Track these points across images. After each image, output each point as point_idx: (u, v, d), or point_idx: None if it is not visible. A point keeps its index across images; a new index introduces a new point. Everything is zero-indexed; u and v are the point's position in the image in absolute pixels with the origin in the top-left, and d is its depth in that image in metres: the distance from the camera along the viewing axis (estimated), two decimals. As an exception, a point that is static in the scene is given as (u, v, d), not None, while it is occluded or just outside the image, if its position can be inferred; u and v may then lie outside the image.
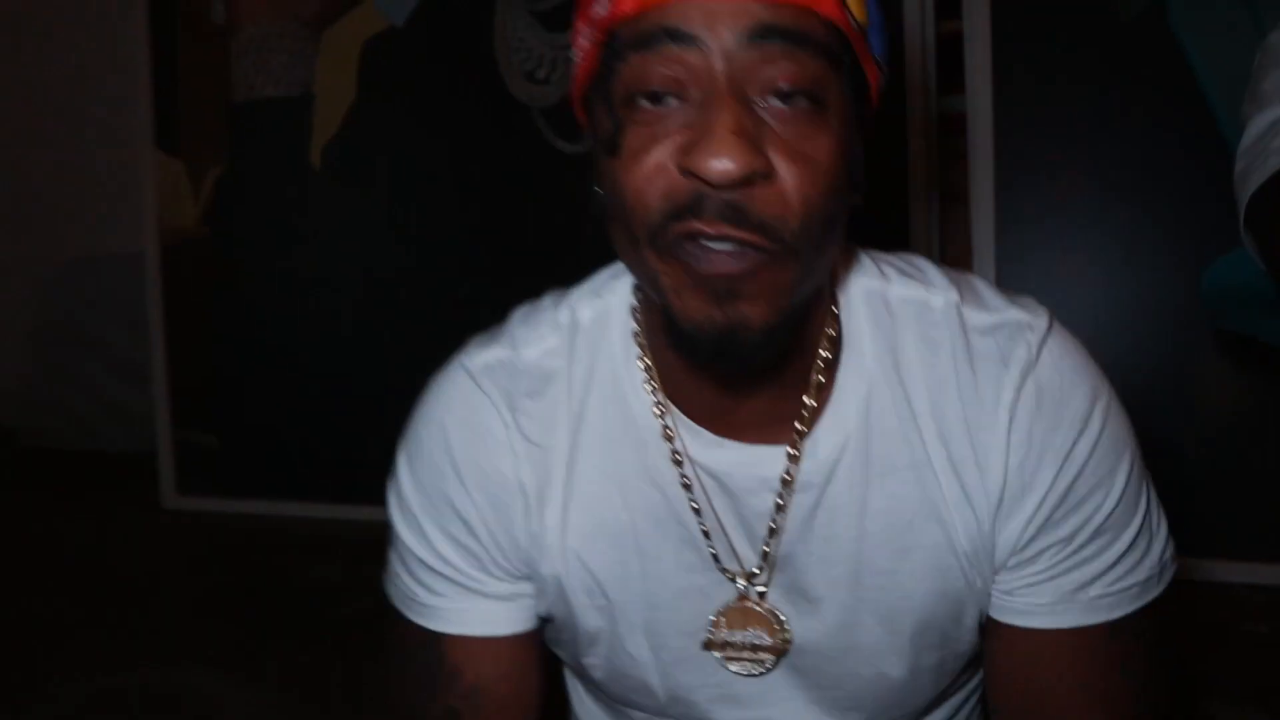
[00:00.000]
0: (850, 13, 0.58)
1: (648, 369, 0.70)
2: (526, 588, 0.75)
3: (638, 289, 0.72)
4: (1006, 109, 2.02)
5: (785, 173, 0.56)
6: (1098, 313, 1.96)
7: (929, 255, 2.00)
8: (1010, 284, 1.91)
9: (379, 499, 2.35)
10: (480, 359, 0.75)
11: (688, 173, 0.55)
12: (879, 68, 0.63)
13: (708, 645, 0.71)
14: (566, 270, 2.21)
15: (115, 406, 3.49)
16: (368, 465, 2.47)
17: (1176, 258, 1.87)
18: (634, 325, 0.72)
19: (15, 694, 1.70)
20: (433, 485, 0.74)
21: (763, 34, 0.55)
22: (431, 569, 0.74)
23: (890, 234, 2.08)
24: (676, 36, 0.56)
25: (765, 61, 0.56)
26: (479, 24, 2.31)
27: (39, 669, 1.79)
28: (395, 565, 0.79)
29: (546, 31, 2.26)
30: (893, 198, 2.09)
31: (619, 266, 0.75)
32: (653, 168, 0.57)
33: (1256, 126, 0.92)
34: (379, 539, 2.14)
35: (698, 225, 0.56)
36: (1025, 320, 0.68)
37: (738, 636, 0.70)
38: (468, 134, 2.37)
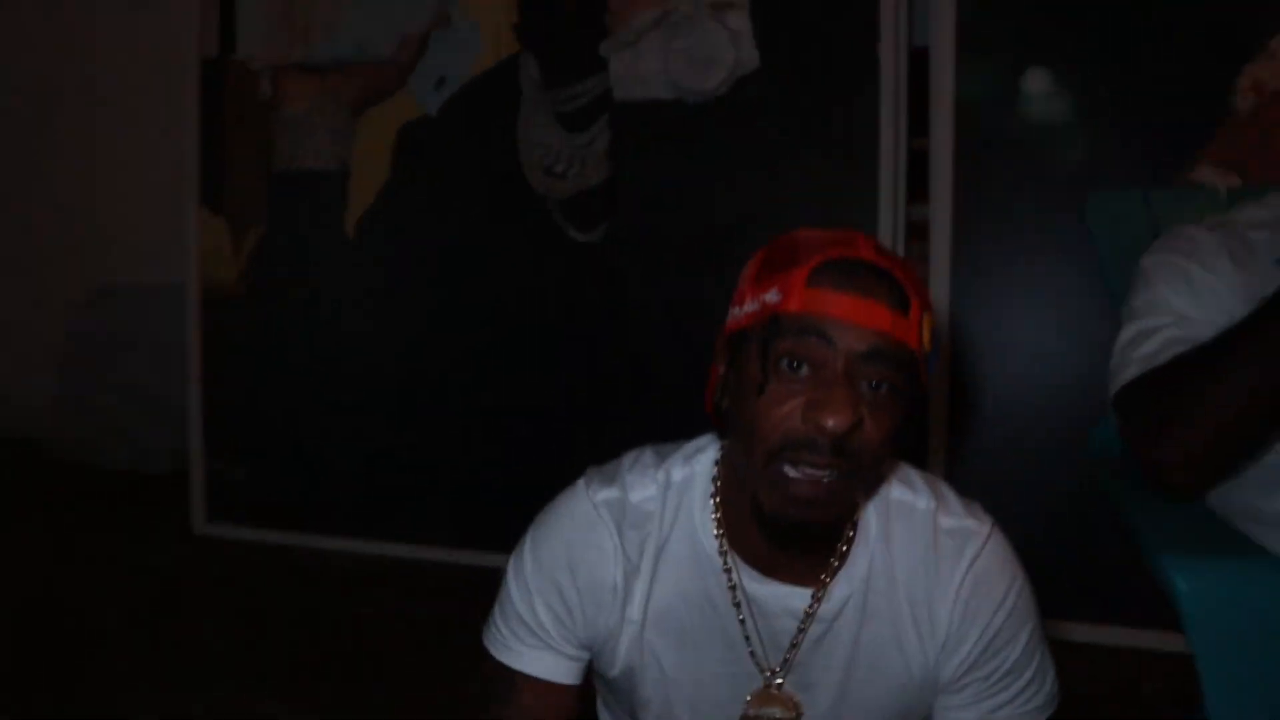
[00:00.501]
0: (924, 344, 0.86)
1: (718, 521, 0.98)
2: (586, 655, 1.02)
3: (719, 464, 0.99)
4: (966, 210, 2.31)
5: (869, 427, 0.83)
6: (1031, 384, 2.26)
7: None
8: (960, 364, 2.18)
9: (399, 537, 2.71)
10: (601, 495, 1.01)
11: (811, 422, 0.83)
12: (925, 373, 0.89)
13: (744, 718, 0.99)
14: (568, 343, 2.54)
15: (141, 430, 3.74)
16: (388, 505, 2.76)
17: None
18: (712, 488, 1.00)
19: (92, 709, 1.92)
20: (550, 571, 1.00)
21: (873, 353, 0.83)
22: (527, 625, 1.01)
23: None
24: (822, 335, 0.83)
25: (868, 364, 0.83)
26: (505, 118, 2.59)
27: (107, 688, 2.00)
28: (496, 616, 1.05)
29: (566, 131, 2.54)
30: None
31: (703, 440, 1.02)
32: (785, 413, 0.84)
33: (1127, 333, 1.22)
34: (402, 573, 2.52)
35: (808, 456, 0.83)
36: (976, 529, 0.97)
37: (764, 712, 0.99)
38: (489, 217, 2.64)
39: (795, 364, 0.84)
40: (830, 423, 0.81)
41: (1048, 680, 0.98)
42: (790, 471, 0.84)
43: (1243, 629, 0.88)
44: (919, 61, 2.39)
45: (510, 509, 2.61)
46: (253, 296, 2.88)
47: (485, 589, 2.66)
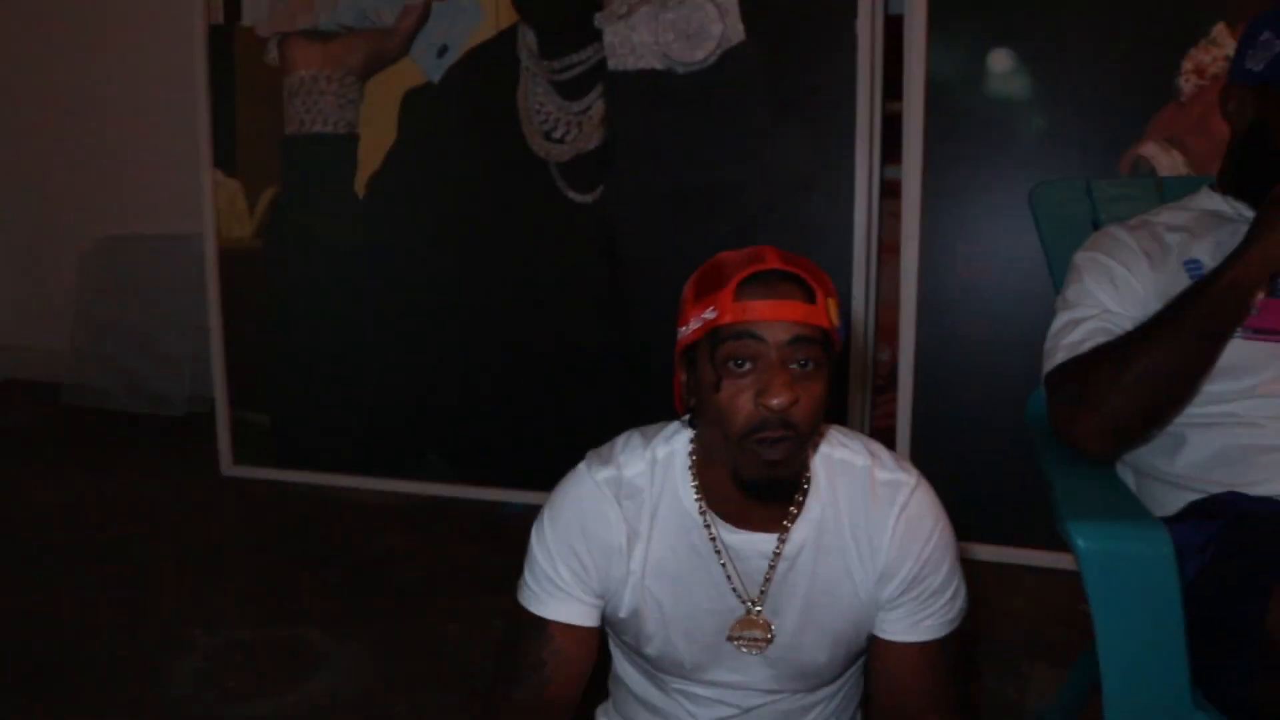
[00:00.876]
0: (833, 321, 1.06)
1: (696, 488, 1.19)
2: (601, 602, 1.24)
3: (693, 443, 1.20)
4: (934, 172, 2.49)
5: (804, 399, 1.04)
6: (990, 333, 2.48)
7: (866, 292, 2.50)
8: (925, 310, 2.38)
9: (411, 474, 2.94)
10: (602, 474, 1.21)
11: (761, 406, 1.03)
12: (839, 341, 1.10)
13: (729, 638, 1.21)
14: (567, 293, 2.74)
15: (154, 375, 3.94)
16: (399, 445, 2.97)
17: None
18: (690, 462, 1.20)
19: (160, 644, 2.12)
20: (566, 538, 1.21)
21: (795, 340, 1.03)
22: (553, 582, 1.22)
23: (838, 279, 2.57)
24: (754, 335, 1.03)
25: (794, 349, 1.03)
26: (504, 86, 2.73)
27: (169, 621, 2.22)
28: (527, 577, 1.25)
29: (563, 99, 2.69)
30: (841, 249, 2.59)
31: (676, 425, 1.22)
32: (741, 403, 1.04)
33: (1058, 321, 1.41)
34: (421, 510, 2.75)
35: (767, 435, 1.03)
36: (905, 479, 1.17)
37: (745, 634, 1.21)
38: (492, 178, 2.80)
39: (739, 362, 1.04)
40: (775, 402, 1.02)
41: (960, 598, 1.21)
42: (758, 447, 1.05)
43: (1127, 581, 1.10)
44: (894, 27, 2.55)
45: (513, 448, 2.88)
46: (269, 252, 3.05)
47: (489, 522, 2.89)
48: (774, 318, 1.02)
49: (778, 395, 1.01)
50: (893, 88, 2.58)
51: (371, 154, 2.88)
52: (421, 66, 2.80)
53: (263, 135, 2.99)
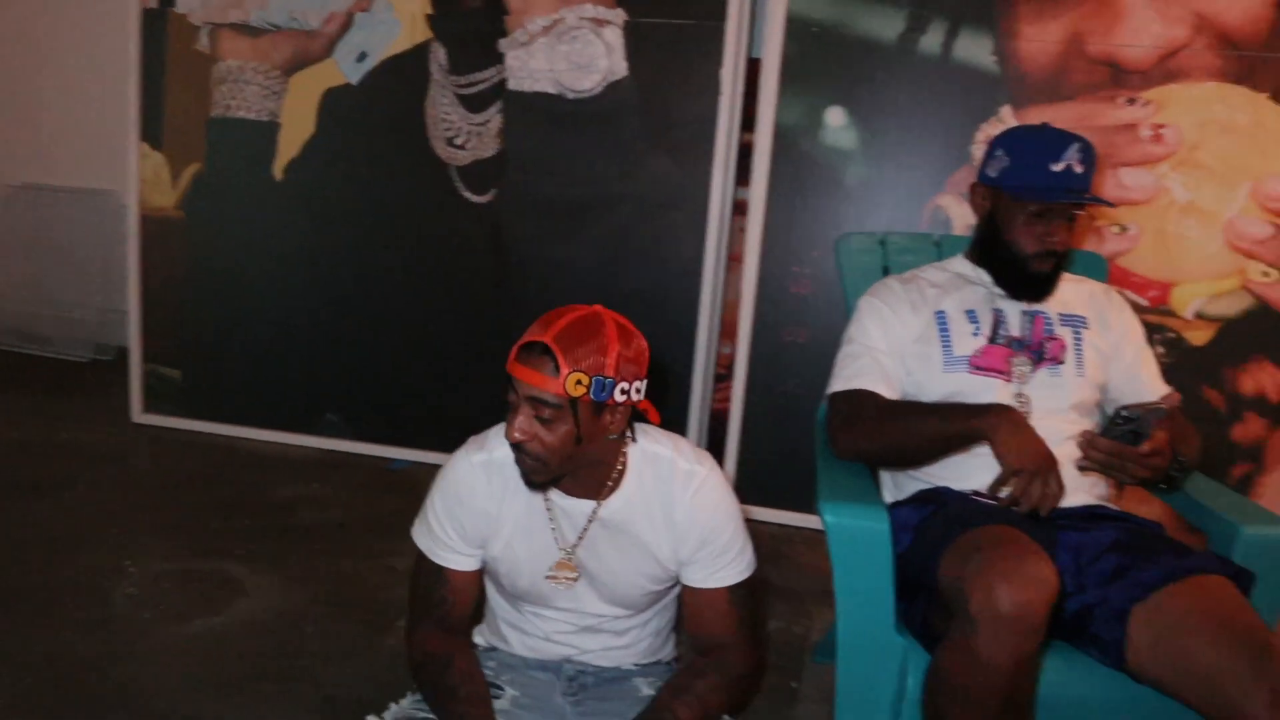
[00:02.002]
0: (567, 393, 1.38)
1: None
2: (480, 551, 1.60)
3: None
4: (776, 200, 2.90)
5: (543, 437, 1.39)
6: (808, 339, 2.88)
7: (713, 295, 2.90)
8: (760, 315, 2.80)
9: (312, 431, 3.25)
10: (476, 458, 1.56)
11: (510, 434, 1.39)
12: (588, 400, 1.41)
13: (546, 576, 1.57)
14: (460, 279, 3.10)
15: (64, 322, 4.07)
16: (301, 405, 3.26)
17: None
18: None
19: (95, 573, 2.36)
20: (451, 507, 1.55)
21: (533, 399, 1.37)
22: (443, 541, 1.57)
23: (690, 281, 2.97)
24: (514, 388, 1.38)
25: (532, 405, 1.37)
26: (415, 94, 3.02)
27: (101, 553, 2.46)
28: (424, 529, 1.59)
29: (466, 110, 2.99)
30: (695, 257, 2.98)
31: None
32: (506, 428, 1.40)
33: (841, 353, 1.82)
34: (320, 463, 3.06)
35: (517, 453, 1.41)
36: (699, 470, 1.54)
37: (559, 572, 1.56)
38: (399, 174, 3.09)
39: (511, 400, 1.41)
40: (515, 436, 1.39)
41: (746, 555, 1.58)
42: (516, 455, 1.43)
43: (856, 546, 1.51)
44: (754, 66, 2.94)
45: (403, 412, 3.20)
46: (189, 222, 3.26)
47: (380, 474, 3.19)
48: (521, 379, 1.38)
49: (511, 433, 1.39)
50: (749, 120, 2.97)
51: (291, 142, 3.13)
52: (342, 69, 3.06)
53: (189, 115, 3.19)
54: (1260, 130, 2.64)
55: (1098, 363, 1.80)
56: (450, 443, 3.35)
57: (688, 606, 1.61)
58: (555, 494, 1.54)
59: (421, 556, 1.59)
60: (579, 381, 1.38)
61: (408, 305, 3.15)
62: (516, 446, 1.41)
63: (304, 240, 3.19)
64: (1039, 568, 1.32)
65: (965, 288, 1.84)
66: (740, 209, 3.05)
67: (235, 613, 2.24)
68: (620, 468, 1.53)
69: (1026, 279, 1.77)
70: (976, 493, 1.67)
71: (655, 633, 1.71)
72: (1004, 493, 1.53)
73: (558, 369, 1.37)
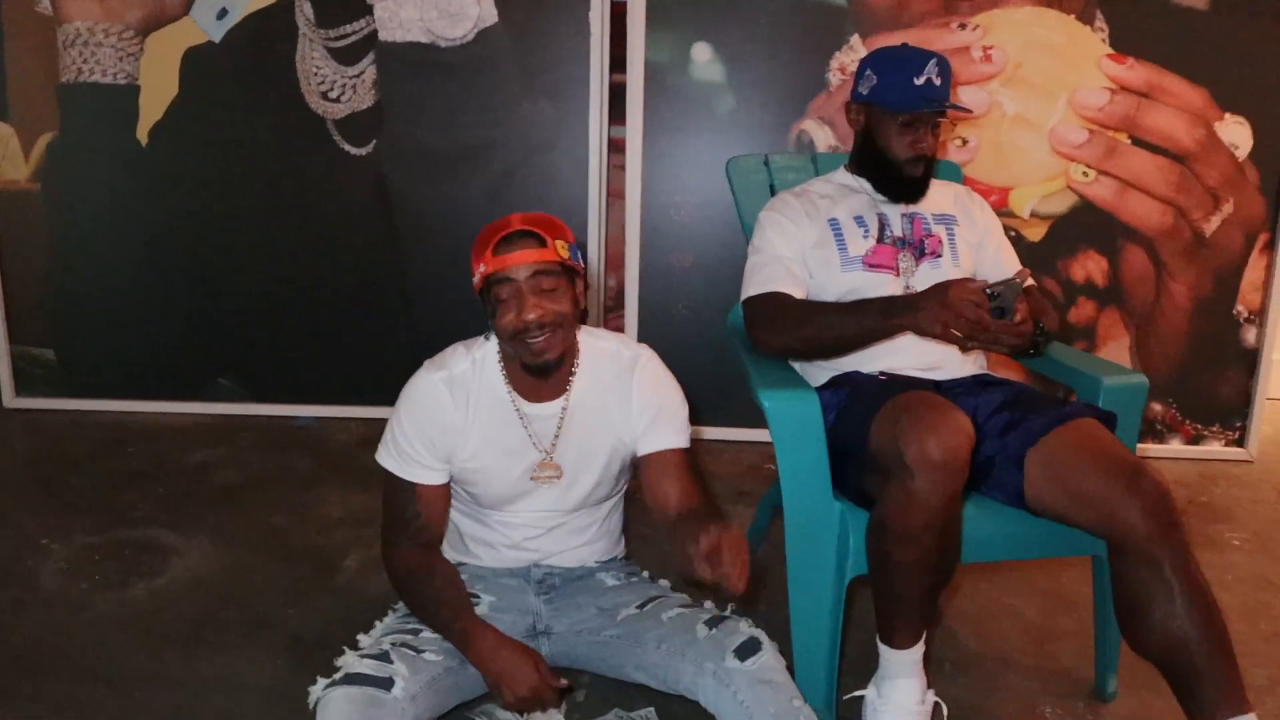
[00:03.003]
0: (561, 256, 1.52)
1: (505, 377, 1.65)
2: (449, 465, 1.68)
3: (500, 347, 1.66)
4: (651, 135, 3.06)
5: (551, 306, 1.50)
6: (693, 264, 3.10)
7: (598, 230, 3.03)
8: (645, 245, 2.96)
9: (205, 397, 3.22)
10: (438, 375, 1.64)
11: (521, 319, 1.49)
12: (580, 267, 1.58)
13: (532, 478, 1.70)
14: (344, 233, 3.13)
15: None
16: (190, 372, 3.20)
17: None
18: (499, 357, 1.65)
19: (13, 556, 2.29)
20: (418, 424, 1.63)
21: (534, 273, 1.50)
22: (412, 458, 1.65)
23: (576, 219, 3.09)
24: (507, 278, 1.49)
25: (534, 279, 1.50)
26: (283, 49, 2.98)
27: (11, 537, 2.38)
28: (391, 450, 1.66)
29: (338, 63, 2.98)
30: (579, 195, 3.09)
31: (489, 332, 1.67)
32: (506, 322, 1.51)
33: (750, 262, 1.99)
34: (221, 428, 3.06)
35: (528, 340, 1.51)
36: (639, 352, 1.70)
37: (543, 473, 1.69)
38: (273, 131, 3.04)
39: (502, 296, 1.52)
40: (530, 316, 1.50)
41: (688, 426, 1.73)
42: (527, 346, 1.53)
43: (793, 425, 1.70)
44: (619, 11, 3.05)
45: (302, 368, 3.19)
46: (47, 194, 3.11)
47: (288, 432, 3.17)
48: (517, 263, 1.49)
49: (529, 312, 1.50)
50: (617, 63, 3.09)
51: (153, 105, 3.03)
52: (201, 25, 2.98)
53: (35, 82, 3.04)
54: (1073, 48, 2.96)
55: (968, 254, 2.04)
56: (353, 394, 3.48)
57: (648, 481, 1.72)
58: (523, 403, 1.65)
59: (391, 477, 1.67)
60: (564, 246, 1.52)
61: (295, 262, 3.13)
62: (530, 329, 1.51)
63: (177, 204, 3.10)
64: (958, 419, 1.53)
65: (851, 197, 2.04)
66: (615, 147, 3.17)
67: (176, 573, 2.24)
68: (576, 363, 1.67)
69: (902, 183, 1.98)
70: (883, 373, 1.89)
71: (611, 530, 1.85)
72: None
73: (543, 241, 1.50)
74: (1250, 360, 3.14)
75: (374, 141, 3.04)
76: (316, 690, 1.47)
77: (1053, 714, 1.84)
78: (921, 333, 1.71)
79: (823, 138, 2.98)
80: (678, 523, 1.61)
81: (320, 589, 2.19)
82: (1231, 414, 3.18)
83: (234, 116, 3.04)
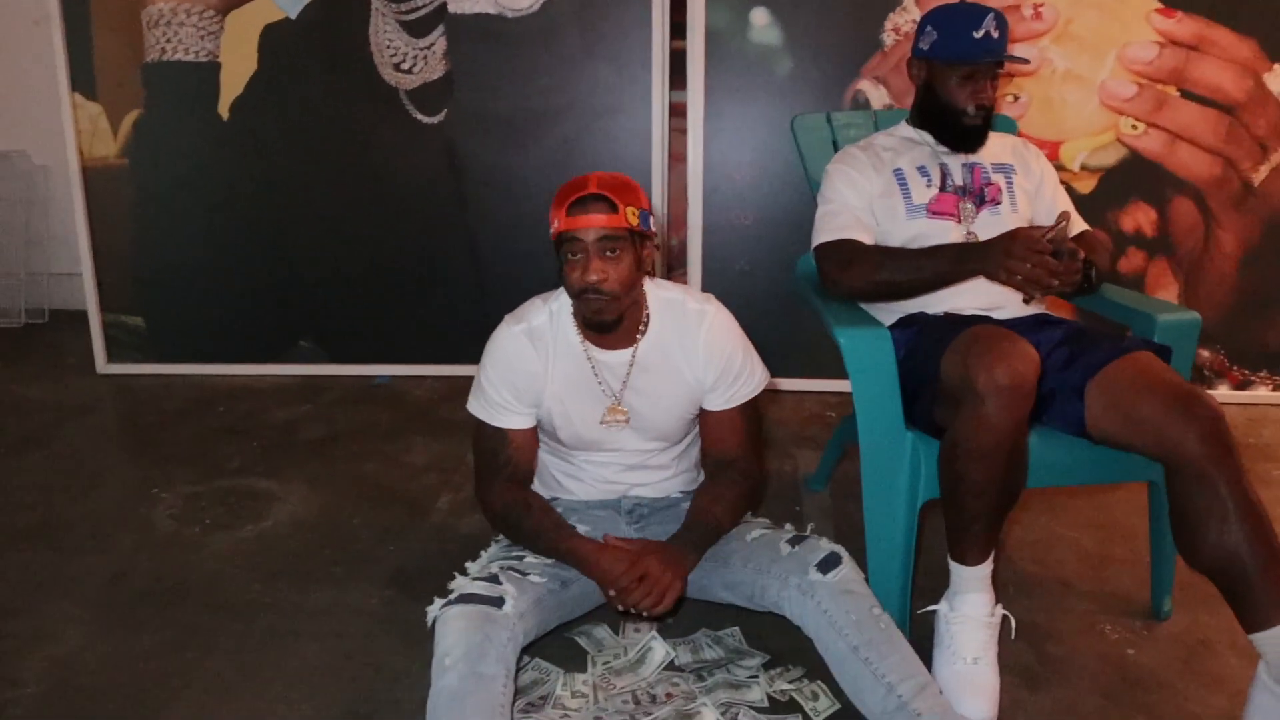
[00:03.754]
0: (630, 224, 1.63)
1: (578, 325, 1.76)
2: (534, 409, 1.83)
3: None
4: (711, 98, 3.16)
5: (613, 273, 1.62)
6: (753, 222, 3.22)
7: (662, 190, 3.16)
8: (708, 205, 3.09)
9: (287, 359, 3.37)
10: (518, 328, 1.76)
11: (582, 279, 1.61)
12: (648, 233, 1.69)
13: (603, 421, 1.83)
14: (417, 200, 3.27)
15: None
16: (272, 336, 3.37)
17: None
18: (572, 309, 1.76)
19: (127, 504, 2.47)
20: (505, 373, 1.75)
21: (602, 238, 1.61)
22: (500, 405, 1.78)
23: (639, 182, 3.20)
24: (576, 238, 1.60)
25: (602, 244, 1.61)
26: (356, 24, 3.12)
27: (122, 487, 2.56)
28: (481, 399, 1.79)
29: (410, 36, 3.12)
30: (642, 157, 3.22)
31: (565, 293, 1.79)
32: (574, 279, 1.62)
33: (820, 210, 2.11)
34: (304, 388, 3.23)
35: (588, 298, 1.63)
36: (708, 307, 1.80)
37: (611, 417, 1.81)
38: (348, 103, 3.19)
39: (573, 254, 1.63)
40: (592, 278, 1.61)
41: (755, 377, 1.85)
42: (588, 304, 1.65)
43: (868, 359, 1.82)
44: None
45: (378, 331, 3.35)
46: (135, 169, 3.29)
47: (366, 391, 3.34)
48: (587, 225, 1.60)
49: (591, 274, 1.61)
50: (677, 29, 3.20)
51: (234, 80, 3.19)
52: (279, 3, 3.12)
53: (121, 62, 3.20)
54: (1121, 3, 3.03)
55: (1025, 201, 2.15)
56: (427, 354, 3.65)
57: (704, 428, 1.87)
58: (595, 350, 1.76)
59: (481, 425, 1.80)
60: (634, 213, 1.63)
61: (370, 228, 3.29)
62: (590, 290, 1.62)
63: (256, 175, 3.26)
64: (1024, 348, 1.65)
65: (914, 149, 2.15)
66: (676, 111, 3.28)
67: (279, 516, 2.41)
68: (646, 314, 1.78)
69: (963, 133, 2.09)
70: (947, 314, 2.01)
71: (691, 464, 1.98)
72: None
73: (614, 207, 1.61)
74: (1299, 307, 3.21)
75: (445, 110, 3.18)
76: (434, 609, 1.61)
77: (1112, 630, 1.96)
78: (991, 277, 1.82)
79: (878, 97, 3.08)
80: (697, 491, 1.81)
81: (415, 529, 2.34)
82: (1278, 360, 3.26)
83: (310, 90, 3.19)
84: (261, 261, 3.34)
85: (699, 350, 1.79)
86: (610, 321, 1.68)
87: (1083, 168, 3.10)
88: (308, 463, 2.73)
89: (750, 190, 3.19)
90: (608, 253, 1.62)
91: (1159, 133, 3.09)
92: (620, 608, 1.65)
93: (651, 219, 1.69)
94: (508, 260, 3.27)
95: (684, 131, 3.21)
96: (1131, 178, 3.12)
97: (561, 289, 1.78)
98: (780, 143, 3.11)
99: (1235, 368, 3.26)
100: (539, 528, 1.75)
